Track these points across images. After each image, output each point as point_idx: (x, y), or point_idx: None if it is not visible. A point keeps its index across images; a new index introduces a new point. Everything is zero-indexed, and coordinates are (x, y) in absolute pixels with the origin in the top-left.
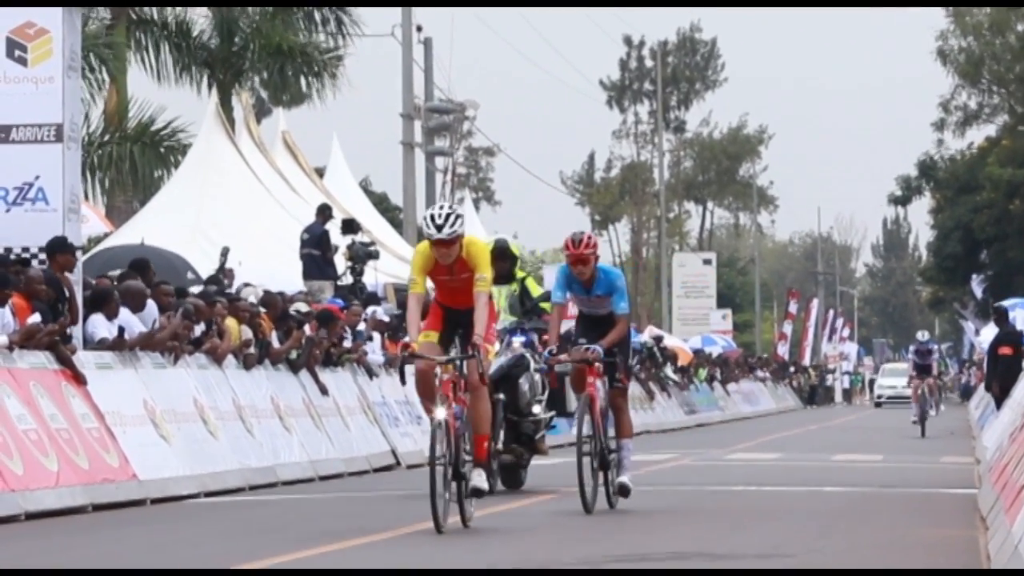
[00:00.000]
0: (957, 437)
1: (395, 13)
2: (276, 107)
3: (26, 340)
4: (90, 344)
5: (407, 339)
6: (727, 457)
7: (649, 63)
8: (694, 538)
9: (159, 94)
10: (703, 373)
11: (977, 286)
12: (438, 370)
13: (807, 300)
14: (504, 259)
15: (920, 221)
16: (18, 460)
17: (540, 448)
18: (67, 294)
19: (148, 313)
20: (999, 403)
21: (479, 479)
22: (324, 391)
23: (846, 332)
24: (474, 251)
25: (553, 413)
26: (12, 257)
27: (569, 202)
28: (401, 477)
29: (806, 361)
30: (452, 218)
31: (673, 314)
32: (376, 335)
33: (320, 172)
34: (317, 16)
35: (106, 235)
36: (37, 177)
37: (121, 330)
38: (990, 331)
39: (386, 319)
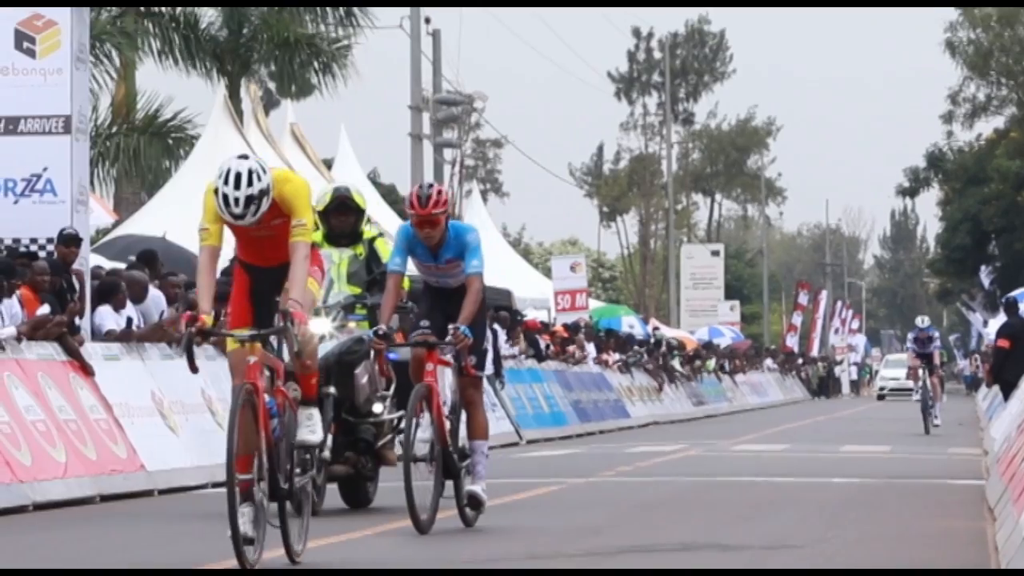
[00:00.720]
0: (965, 428)
1: (404, 6)
2: (284, 99)
3: (34, 331)
4: (98, 336)
5: (199, 311)
6: (735, 448)
7: (657, 55)
8: (702, 529)
9: (167, 85)
10: (711, 364)
11: (985, 278)
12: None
13: (816, 292)
14: (346, 213)
15: (928, 213)
16: (26, 451)
17: (386, 457)
18: (76, 285)
19: (156, 305)
20: (1006, 394)
21: (308, 427)
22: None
23: (855, 324)
24: (289, 191)
25: (402, 413)
26: (21, 249)
27: (577, 194)
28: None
29: (814, 352)
30: (255, 203)
31: (681, 305)
32: None
33: (328, 164)
34: (328, 7)
35: (115, 225)
36: (45, 169)
37: (129, 321)
38: (998, 323)
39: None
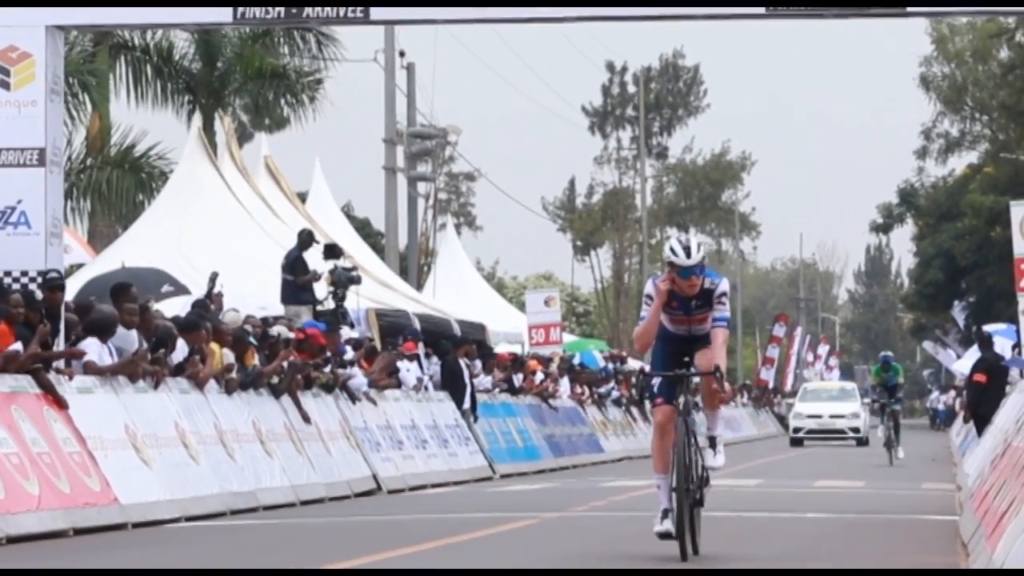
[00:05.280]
0: (938, 464)
1: (378, 39)
2: (258, 131)
3: (5, 365)
4: (78, 366)
5: None
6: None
7: (632, 89)
8: (676, 564)
9: (141, 119)
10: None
11: (959, 313)
12: None
13: (792, 326)
14: None
15: (903, 248)
16: None
17: None
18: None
19: (127, 338)
20: (980, 429)
21: None
22: (306, 419)
23: (833, 361)
24: None
25: None
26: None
27: (551, 228)
28: (382, 502)
29: (788, 387)
30: None
31: None
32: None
33: (302, 197)
34: (298, 37)
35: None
36: (19, 201)
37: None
38: (971, 358)
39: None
